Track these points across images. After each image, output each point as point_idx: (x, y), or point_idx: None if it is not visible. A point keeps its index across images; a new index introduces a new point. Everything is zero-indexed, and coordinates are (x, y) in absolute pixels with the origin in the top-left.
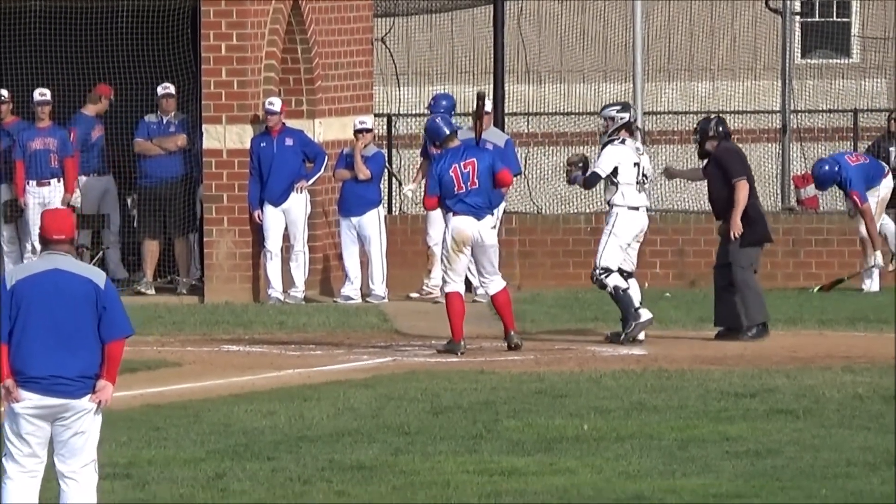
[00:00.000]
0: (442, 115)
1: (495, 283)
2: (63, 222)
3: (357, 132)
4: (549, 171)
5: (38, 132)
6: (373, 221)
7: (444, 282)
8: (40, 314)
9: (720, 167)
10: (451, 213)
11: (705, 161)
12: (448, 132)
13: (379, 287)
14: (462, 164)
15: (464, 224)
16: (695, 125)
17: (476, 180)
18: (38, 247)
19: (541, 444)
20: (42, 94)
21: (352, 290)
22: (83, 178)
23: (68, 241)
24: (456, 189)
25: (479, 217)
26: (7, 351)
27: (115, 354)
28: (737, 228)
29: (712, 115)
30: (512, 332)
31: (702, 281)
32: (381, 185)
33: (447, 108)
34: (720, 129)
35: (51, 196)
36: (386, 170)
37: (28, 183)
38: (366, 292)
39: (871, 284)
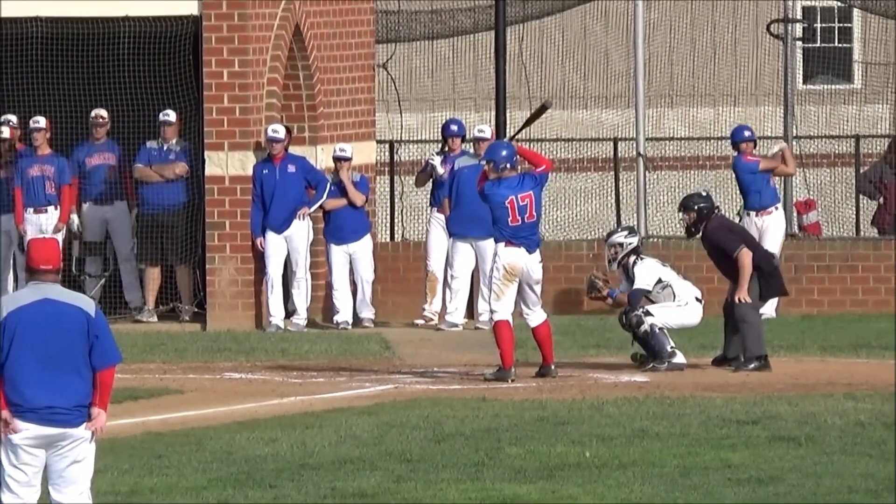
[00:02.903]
0: (508, 144)
1: (538, 315)
2: (50, 252)
3: (337, 160)
4: (551, 198)
5: (36, 159)
6: (367, 247)
7: (492, 311)
8: (34, 345)
9: (714, 247)
10: (500, 244)
11: (701, 238)
12: (512, 163)
13: (369, 312)
14: (520, 196)
15: (515, 256)
16: (682, 207)
17: (534, 213)
18: None
19: (543, 472)
20: (35, 121)
21: (347, 315)
22: (85, 206)
23: (55, 270)
24: (511, 221)
25: (530, 250)
26: (1, 383)
27: (108, 382)
28: (744, 296)
29: (699, 195)
30: (552, 366)
31: (708, 308)
32: (382, 211)
33: (458, 133)
34: (707, 208)
35: (47, 223)
36: (388, 196)
37: (26, 210)
38: (356, 317)
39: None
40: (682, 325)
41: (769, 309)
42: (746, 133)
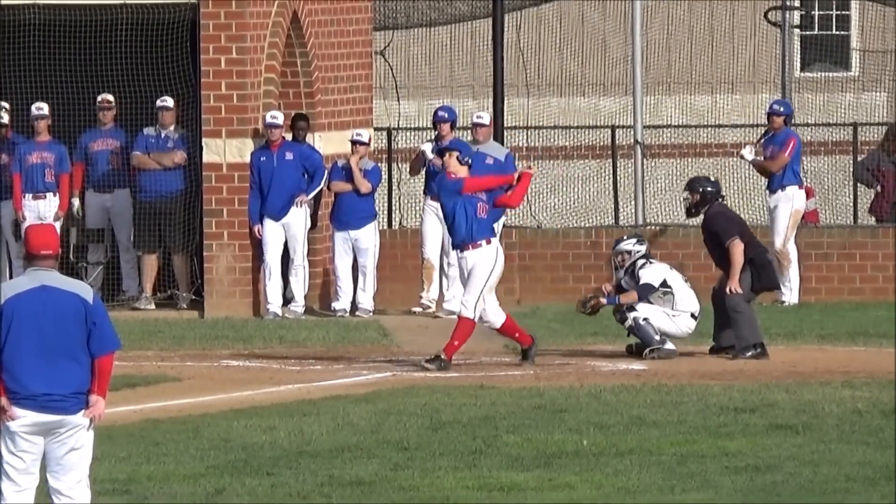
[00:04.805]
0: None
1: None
2: (48, 237)
3: (353, 143)
4: (549, 186)
5: (35, 146)
6: (370, 234)
7: (473, 306)
8: (31, 332)
9: (710, 233)
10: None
11: (701, 223)
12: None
13: (369, 301)
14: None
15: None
16: (687, 187)
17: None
18: None
19: (540, 460)
20: (39, 108)
21: (346, 302)
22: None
23: (53, 256)
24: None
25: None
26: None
27: (106, 369)
28: (735, 286)
29: (708, 179)
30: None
31: (702, 295)
32: (380, 198)
33: (447, 119)
34: (712, 193)
35: (46, 210)
36: (385, 183)
37: (24, 196)
38: (355, 305)
39: (791, 297)
40: (667, 332)
41: (793, 295)
42: (774, 107)
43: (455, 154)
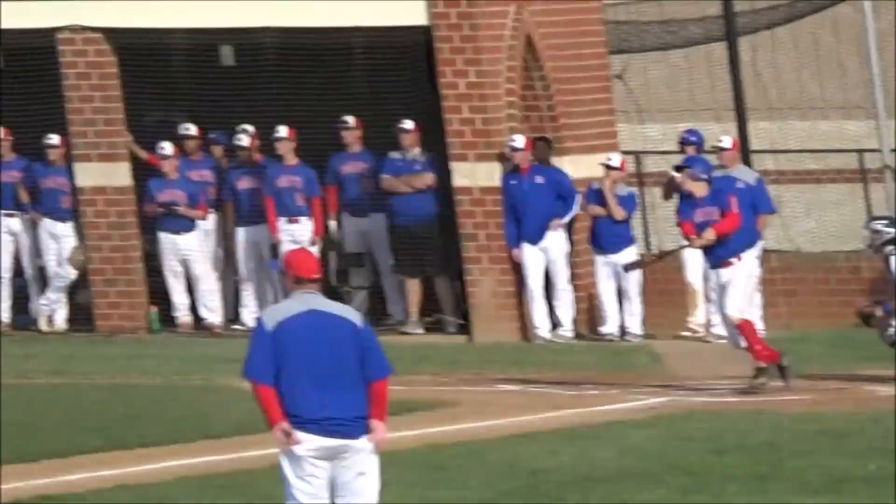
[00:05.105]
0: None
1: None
2: (313, 262)
3: (605, 168)
4: (803, 209)
5: (283, 170)
6: (631, 259)
7: (737, 307)
8: (307, 356)
9: None
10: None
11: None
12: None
13: (637, 325)
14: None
15: None
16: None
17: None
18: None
19: (828, 485)
20: (277, 131)
21: (613, 326)
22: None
23: (320, 280)
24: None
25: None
26: (277, 394)
27: (382, 394)
28: None
29: None
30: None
31: None
32: (637, 221)
33: (695, 144)
34: None
35: (301, 234)
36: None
37: (278, 220)
38: (623, 329)
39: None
40: None
41: None
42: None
43: (687, 171)
